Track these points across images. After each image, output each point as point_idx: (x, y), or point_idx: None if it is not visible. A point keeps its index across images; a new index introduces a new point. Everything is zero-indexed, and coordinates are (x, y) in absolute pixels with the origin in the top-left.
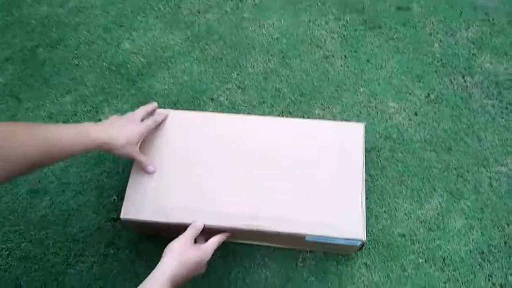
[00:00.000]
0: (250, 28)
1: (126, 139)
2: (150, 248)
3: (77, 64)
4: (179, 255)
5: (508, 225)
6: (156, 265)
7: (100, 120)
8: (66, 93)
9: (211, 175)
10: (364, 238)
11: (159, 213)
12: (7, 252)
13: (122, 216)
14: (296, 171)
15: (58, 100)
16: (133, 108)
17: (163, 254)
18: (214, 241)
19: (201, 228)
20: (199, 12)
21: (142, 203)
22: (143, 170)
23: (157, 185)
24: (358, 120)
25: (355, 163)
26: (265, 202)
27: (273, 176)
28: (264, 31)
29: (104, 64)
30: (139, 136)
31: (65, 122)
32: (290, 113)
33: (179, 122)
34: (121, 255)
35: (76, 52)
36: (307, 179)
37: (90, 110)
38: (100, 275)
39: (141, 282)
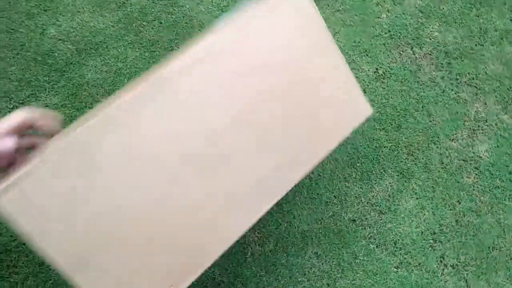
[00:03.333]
0: (188, 6)
1: None
2: None
3: None
4: None
5: (459, 203)
6: None
7: None
8: None
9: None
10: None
11: None
12: None
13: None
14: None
15: None
16: (63, 101)
17: None
18: None
19: None
20: None
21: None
22: None
23: None
24: None
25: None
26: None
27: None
28: (202, 8)
29: (29, 54)
30: None
31: None
32: None
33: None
34: None
35: None
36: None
37: (16, 107)
38: (36, 286)
39: None
